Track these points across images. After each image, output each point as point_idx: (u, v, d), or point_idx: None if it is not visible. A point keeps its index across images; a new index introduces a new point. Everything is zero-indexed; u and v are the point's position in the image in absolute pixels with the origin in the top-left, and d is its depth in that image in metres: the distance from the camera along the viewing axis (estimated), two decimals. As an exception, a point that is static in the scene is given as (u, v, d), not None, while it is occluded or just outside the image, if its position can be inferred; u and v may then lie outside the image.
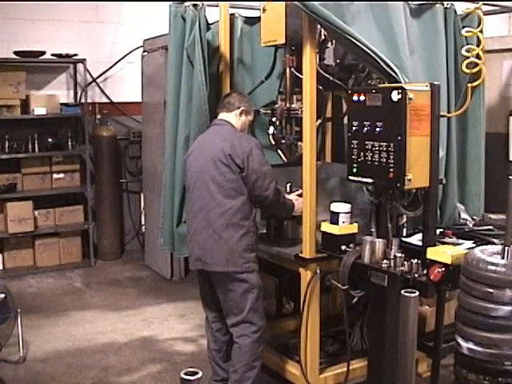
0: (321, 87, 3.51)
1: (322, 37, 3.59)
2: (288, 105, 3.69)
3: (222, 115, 3.46)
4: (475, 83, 3.40)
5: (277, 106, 3.78)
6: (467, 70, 3.31)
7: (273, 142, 3.88)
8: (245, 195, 3.24)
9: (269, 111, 3.84)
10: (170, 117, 3.91)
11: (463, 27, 3.55)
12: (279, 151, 3.91)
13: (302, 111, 3.41)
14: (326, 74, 3.53)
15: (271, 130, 3.82)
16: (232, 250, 3.21)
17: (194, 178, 3.34)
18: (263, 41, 3.69)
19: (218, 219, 3.22)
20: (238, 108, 3.45)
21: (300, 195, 3.46)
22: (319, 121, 3.66)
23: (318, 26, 3.41)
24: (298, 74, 3.53)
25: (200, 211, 3.29)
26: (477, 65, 3.31)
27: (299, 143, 3.57)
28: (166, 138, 3.96)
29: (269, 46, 3.73)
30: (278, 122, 3.78)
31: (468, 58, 3.31)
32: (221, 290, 3.31)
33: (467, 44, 3.42)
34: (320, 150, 4.20)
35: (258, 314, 3.31)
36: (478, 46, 3.37)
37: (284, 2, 3.48)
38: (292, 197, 3.49)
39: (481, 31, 3.47)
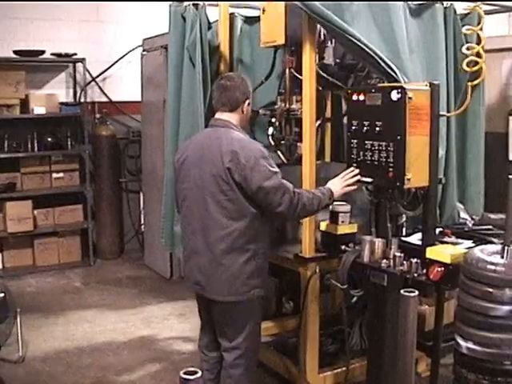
0: (320, 88, 3.50)
1: (322, 37, 3.57)
2: (288, 105, 3.67)
3: (225, 115, 2.97)
4: (475, 82, 3.38)
5: (276, 106, 3.76)
6: (467, 69, 3.30)
7: (272, 143, 3.86)
8: (250, 216, 2.82)
9: (268, 112, 3.82)
10: (170, 116, 3.90)
11: (463, 25, 3.54)
12: (279, 152, 3.90)
13: (301, 112, 3.40)
14: (325, 75, 3.52)
15: (271, 130, 3.81)
16: (234, 278, 2.85)
17: (194, 191, 2.92)
18: (263, 41, 3.68)
19: (219, 244, 2.84)
20: (244, 102, 2.99)
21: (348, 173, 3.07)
22: (319, 121, 3.65)
23: (318, 26, 3.41)
24: (297, 74, 3.51)
25: (199, 231, 2.91)
26: (477, 63, 3.30)
27: (298, 144, 3.55)
28: (167, 137, 3.95)
29: (268, 47, 3.73)
30: (277, 123, 3.76)
31: (468, 56, 3.30)
32: (218, 317, 3.02)
33: (467, 43, 3.41)
34: (319, 149, 4.20)
35: (253, 343, 3.02)
36: (478, 44, 3.36)
37: (284, 3, 3.48)
38: (334, 181, 3.05)
39: (481, 29, 3.45)
